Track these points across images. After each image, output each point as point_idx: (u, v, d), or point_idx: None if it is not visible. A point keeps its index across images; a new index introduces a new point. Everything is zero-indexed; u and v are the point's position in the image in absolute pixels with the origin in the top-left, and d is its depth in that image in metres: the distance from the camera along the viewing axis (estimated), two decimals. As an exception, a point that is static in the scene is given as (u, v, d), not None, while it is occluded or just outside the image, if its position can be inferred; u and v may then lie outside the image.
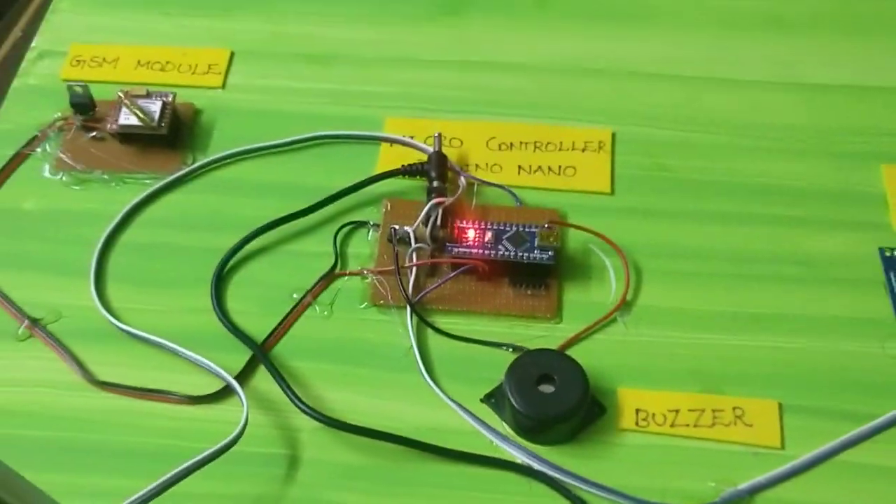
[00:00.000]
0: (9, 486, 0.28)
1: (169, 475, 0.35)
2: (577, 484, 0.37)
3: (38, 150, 0.48)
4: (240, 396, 0.38)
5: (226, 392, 0.40)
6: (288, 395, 0.39)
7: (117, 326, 0.42)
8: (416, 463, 0.38)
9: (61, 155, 0.48)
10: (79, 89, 0.47)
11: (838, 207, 0.46)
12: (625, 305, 0.42)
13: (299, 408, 0.38)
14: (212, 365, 0.40)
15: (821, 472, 0.38)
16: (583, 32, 0.53)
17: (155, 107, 0.47)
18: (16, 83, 0.51)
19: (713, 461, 0.38)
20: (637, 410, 0.39)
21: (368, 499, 0.37)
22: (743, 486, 0.37)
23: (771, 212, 0.46)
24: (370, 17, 0.54)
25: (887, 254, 0.44)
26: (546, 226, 0.43)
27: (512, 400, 0.38)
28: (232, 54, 0.52)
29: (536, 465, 0.38)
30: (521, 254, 0.42)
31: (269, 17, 0.54)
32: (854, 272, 0.43)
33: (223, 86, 0.51)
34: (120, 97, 0.47)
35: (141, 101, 0.47)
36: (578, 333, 0.41)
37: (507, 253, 0.42)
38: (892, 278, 0.43)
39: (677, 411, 0.39)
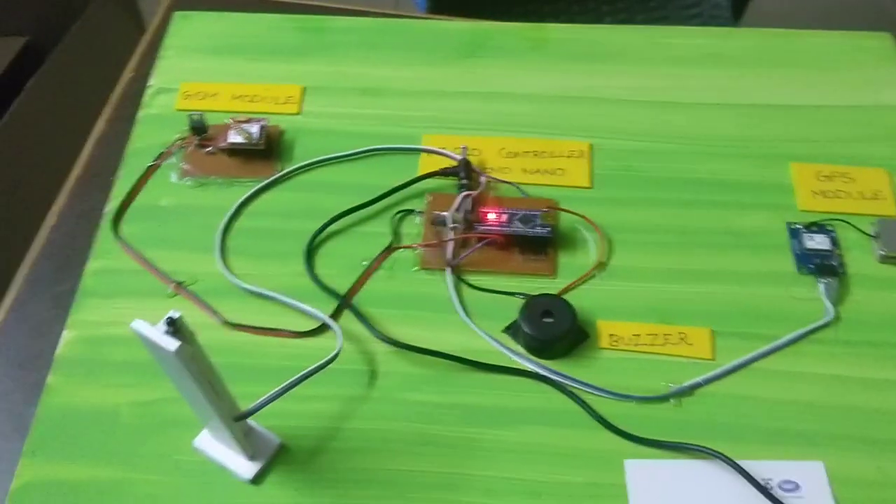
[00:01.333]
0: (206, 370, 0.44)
1: (287, 382, 0.50)
2: (571, 384, 0.53)
3: (166, 162, 0.64)
4: (335, 329, 0.55)
5: (322, 329, 0.56)
6: (367, 328, 0.55)
7: (239, 286, 0.58)
8: (459, 373, 0.54)
9: (184, 166, 0.64)
10: (196, 116, 0.64)
11: (758, 194, 0.62)
12: (601, 266, 0.59)
13: (377, 336, 0.54)
14: (312, 310, 0.56)
15: (740, 376, 0.54)
16: (569, 69, 0.70)
17: (255, 129, 0.64)
18: (141, 114, 0.68)
19: (664, 369, 0.54)
20: (610, 335, 0.55)
21: (427, 397, 0.53)
22: (685, 383, 0.53)
23: (709, 198, 0.62)
24: (410, 60, 0.70)
25: (792, 226, 0.60)
26: (545, 210, 0.59)
27: (524, 328, 0.54)
28: (304, 89, 0.69)
29: (542, 373, 0.54)
30: (528, 230, 0.59)
31: (332, 60, 0.70)
32: (768, 240, 0.60)
33: (299, 112, 0.67)
34: (230, 122, 0.63)
35: (244, 125, 0.64)
36: (569, 285, 0.58)
37: (517, 229, 0.59)
38: (795, 244, 0.59)
39: (639, 335, 0.55)
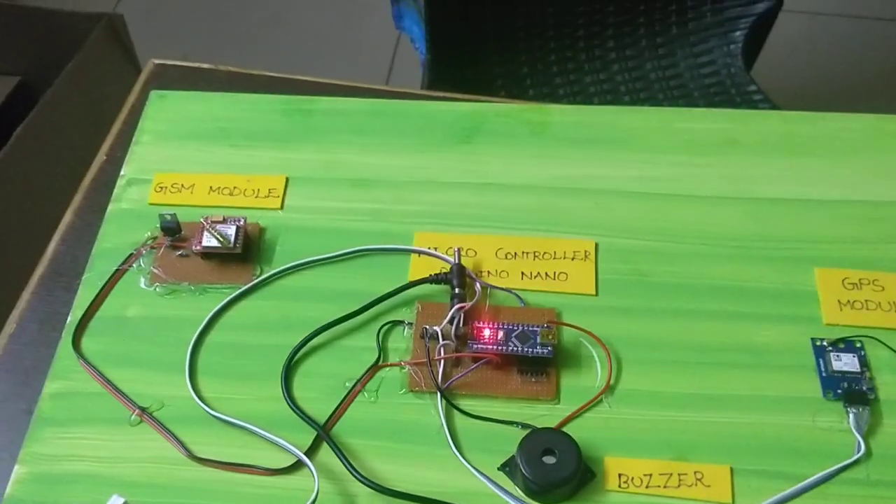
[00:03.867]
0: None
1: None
2: (573, 534, 0.48)
3: (135, 266, 0.59)
4: (311, 470, 0.49)
5: (298, 466, 0.51)
6: (348, 469, 0.50)
7: (209, 413, 0.53)
8: (449, 519, 0.49)
9: (154, 270, 0.59)
10: (168, 217, 0.59)
11: (778, 304, 0.57)
12: (609, 389, 0.54)
13: (357, 479, 0.49)
14: (287, 444, 0.51)
15: (763, 522, 0.49)
16: (571, 156, 0.65)
17: (231, 230, 0.59)
18: (111, 207, 0.63)
19: (679, 514, 0.49)
20: (619, 475, 0.50)
21: (413, 548, 0.48)
22: (702, 533, 0.48)
23: (724, 308, 0.57)
24: (402, 146, 0.65)
25: (817, 343, 0.55)
26: (545, 325, 0.54)
27: (522, 469, 0.49)
28: (288, 179, 0.64)
29: (542, 520, 0.49)
30: (526, 349, 0.54)
31: (319, 146, 0.65)
32: (790, 359, 0.54)
33: (282, 207, 0.62)
34: (203, 223, 0.59)
35: (220, 226, 0.59)
36: (573, 413, 0.53)
37: (515, 348, 0.54)
38: (821, 364, 0.54)
39: (651, 475, 0.50)
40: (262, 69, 0.74)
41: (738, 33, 1.16)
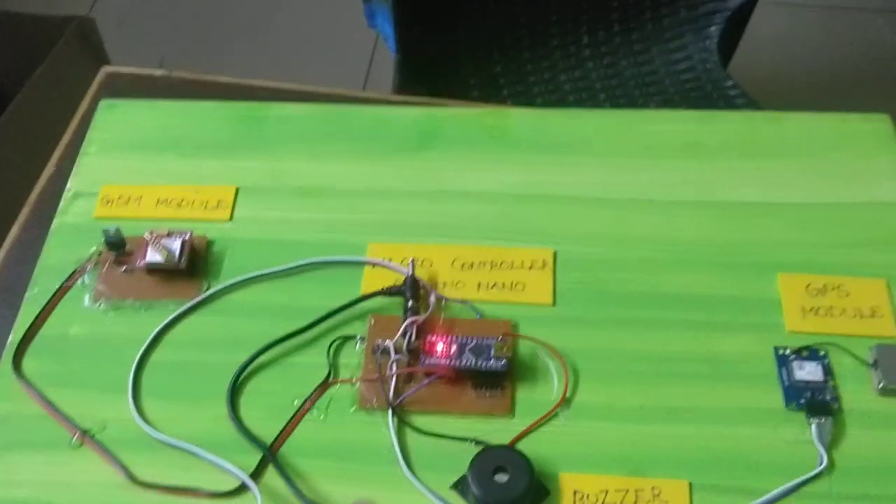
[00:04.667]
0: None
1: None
2: (526, 555, 0.47)
3: (79, 282, 0.57)
4: (255, 494, 0.48)
5: (243, 489, 0.49)
6: (293, 492, 0.48)
7: (152, 435, 0.51)
8: (398, 542, 0.47)
9: (99, 286, 0.57)
10: (112, 231, 0.57)
11: (740, 312, 0.55)
12: (565, 403, 0.52)
13: (303, 503, 0.48)
14: (231, 467, 0.49)
15: (722, 539, 0.47)
16: (530, 161, 0.63)
17: (175, 245, 0.57)
18: (56, 222, 0.61)
19: (635, 533, 0.48)
20: (574, 492, 0.48)
21: (360, 573, 0.47)
22: (658, 552, 0.47)
23: (684, 317, 0.55)
24: (354, 154, 0.64)
25: (780, 352, 0.53)
26: (500, 338, 0.53)
27: (473, 489, 0.47)
28: (237, 190, 0.62)
29: (494, 541, 0.47)
30: (480, 363, 0.52)
31: (269, 155, 0.64)
32: (751, 368, 0.53)
33: (231, 218, 0.61)
34: (146, 238, 0.57)
35: (164, 241, 0.57)
36: (528, 428, 0.51)
37: (468, 362, 0.52)
38: (783, 373, 0.52)
39: (607, 492, 0.48)
40: (237, 72, 0.73)
41: (713, 28, 1.14)
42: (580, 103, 1.09)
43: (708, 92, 1.11)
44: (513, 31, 1.13)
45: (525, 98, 1.10)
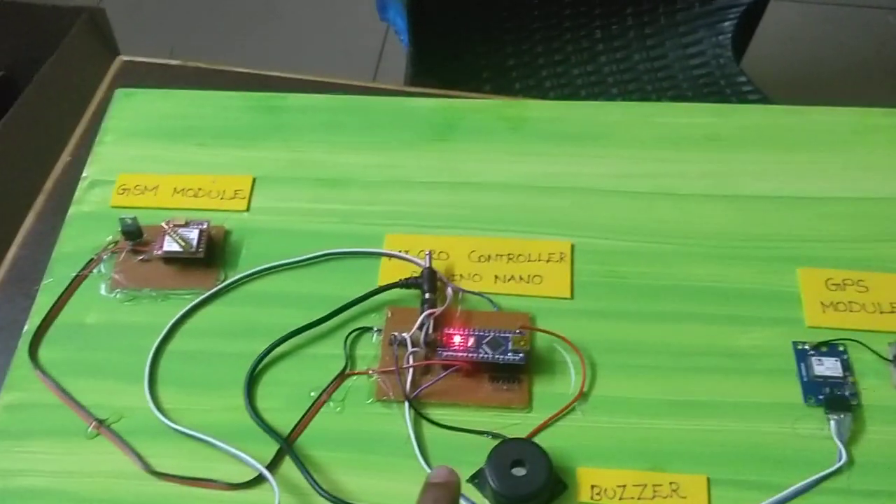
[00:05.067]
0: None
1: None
2: (544, 549, 0.46)
3: (95, 271, 0.57)
4: (272, 484, 0.48)
5: (259, 480, 0.49)
6: (310, 483, 0.48)
7: (168, 425, 0.51)
8: (416, 534, 0.47)
9: (115, 276, 0.57)
10: (129, 221, 0.57)
11: (760, 306, 0.55)
12: (582, 396, 0.52)
13: (320, 494, 0.47)
14: (248, 458, 0.49)
15: (741, 534, 0.47)
16: (548, 152, 0.62)
17: (193, 234, 0.57)
18: (72, 210, 0.61)
19: (654, 527, 0.47)
20: (592, 486, 0.48)
21: (378, 565, 0.46)
22: (677, 547, 0.46)
23: (703, 311, 0.55)
24: (372, 144, 0.63)
25: (799, 347, 0.53)
26: (518, 331, 0.52)
27: (491, 482, 0.47)
28: (254, 180, 0.62)
29: (512, 534, 0.47)
30: (497, 356, 0.52)
31: (287, 145, 0.63)
32: (770, 363, 0.52)
33: (248, 209, 0.60)
34: (164, 227, 0.57)
35: (182, 230, 0.57)
36: (545, 421, 0.51)
37: (486, 355, 0.52)
38: (802, 368, 0.52)
39: (624, 486, 0.48)
40: (247, 63, 0.72)
41: (727, 23, 1.14)
42: (592, 97, 1.09)
43: (721, 87, 1.10)
44: (526, 25, 1.13)
45: (537, 92, 1.09)
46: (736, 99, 1.07)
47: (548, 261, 0.57)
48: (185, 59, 0.72)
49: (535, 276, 0.57)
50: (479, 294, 0.56)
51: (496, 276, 0.57)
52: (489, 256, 0.58)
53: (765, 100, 1.05)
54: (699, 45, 1.14)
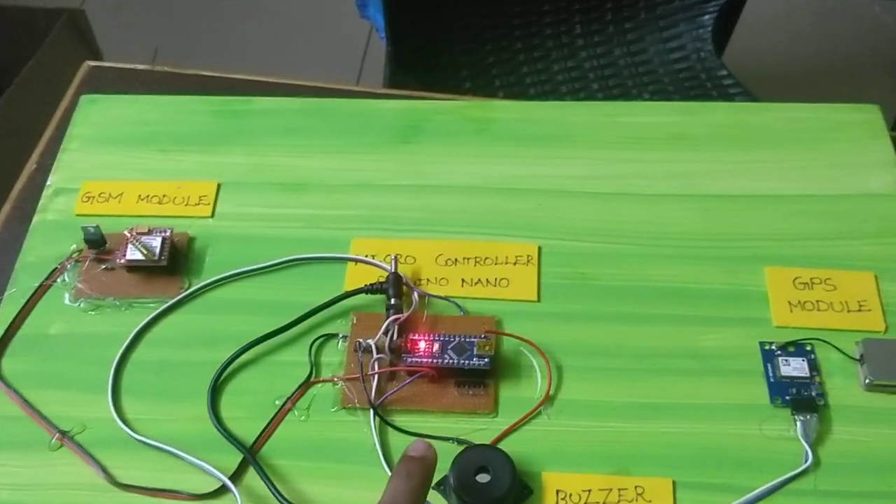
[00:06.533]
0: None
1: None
2: (508, 555, 0.46)
3: (59, 280, 0.57)
4: (235, 495, 0.47)
5: (223, 490, 0.48)
6: (273, 493, 0.48)
7: (132, 436, 0.51)
8: (379, 543, 0.47)
9: (79, 285, 0.56)
10: (91, 229, 0.56)
11: (726, 306, 0.55)
12: (549, 400, 0.51)
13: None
14: (211, 469, 0.49)
15: (706, 538, 0.47)
16: (514, 154, 0.62)
17: (156, 242, 0.56)
18: (36, 219, 0.60)
19: (619, 531, 0.47)
20: (557, 491, 0.48)
21: (341, 574, 0.46)
22: (641, 551, 0.46)
23: (670, 312, 0.54)
24: (338, 148, 0.63)
25: (766, 347, 0.53)
26: (483, 336, 0.52)
27: (455, 489, 0.47)
28: (219, 185, 0.61)
29: (476, 541, 0.47)
30: (462, 361, 0.51)
31: (251, 149, 0.63)
32: (737, 364, 0.52)
33: (212, 215, 0.60)
34: (127, 236, 0.56)
35: (144, 238, 0.56)
36: (511, 426, 0.50)
37: (451, 361, 0.51)
38: (769, 369, 0.52)
39: (590, 491, 0.48)
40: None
41: (706, 17, 1.13)
42: (573, 93, 1.08)
43: (702, 81, 1.09)
44: (505, 21, 1.12)
45: (518, 89, 1.09)
46: (717, 93, 1.07)
47: (514, 263, 0.57)
48: (153, 63, 0.71)
49: (502, 279, 0.56)
50: (446, 298, 0.55)
51: (463, 280, 0.57)
52: (456, 260, 0.57)
53: (746, 93, 1.05)
54: (679, 39, 1.14)
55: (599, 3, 1.12)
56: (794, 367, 0.52)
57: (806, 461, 0.48)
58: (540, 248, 0.57)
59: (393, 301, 0.54)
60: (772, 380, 0.51)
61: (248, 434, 0.51)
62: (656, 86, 1.10)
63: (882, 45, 1.58)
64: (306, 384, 0.52)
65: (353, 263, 0.57)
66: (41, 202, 0.61)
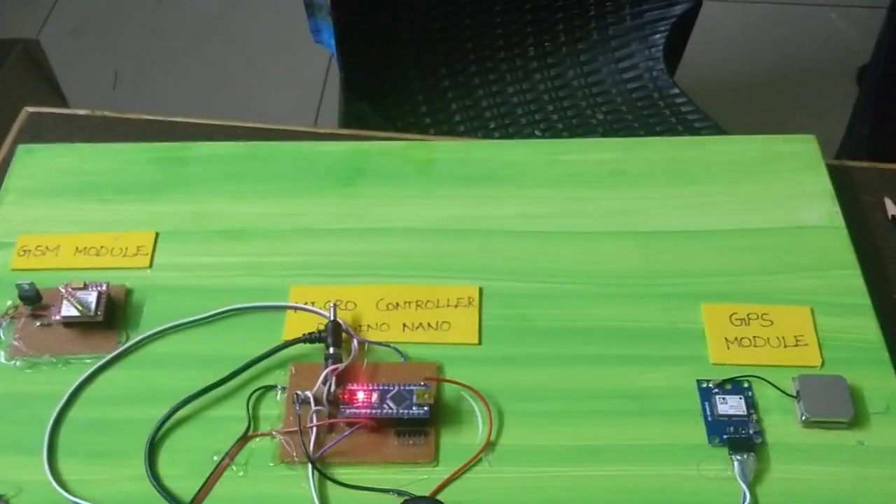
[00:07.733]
0: None
1: None
2: None
3: (-6, 338, 0.56)
4: (171, 558, 0.47)
5: (161, 551, 0.48)
6: (210, 554, 0.47)
7: (69, 499, 0.50)
8: None
9: (14, 342, 0.56)
10: (26, 286, 0.56)
11: (665, 345, 0.55)
12: (489, 447, 0.51)
13: (219, 565, 0.47)
14: (148, 530, 0.48)
15: (646, 582, 0.47)
16: (455, 195, 0.62)
17: (91, 297, 0.55)
18: (-28, 275, 0.60)
19: (559, 580, 0.47)
20: (497, 541, 0.48)
21: None
22: None
23: (609, 352, 0.55)
24: (279, 192, 0.63)
25: (703, 385, 0.53)
26: (422, 384, 0.52)
27: (392, 543, 0.47)
28: (157, 235, 0.61)
29: None
30: (401, 411, 0.51)
31: (191, 197, 0.63)
32: (675, 403, 0.52)
33: (150, 265, 0.59)
34: (62, 292, 0.55)
35: (80, 293, 0.55)
36: (451, 476, 0.50)
37: (390, 411, 0.51)
38: (706, 407, 0.52)
39: (530, 539, 0.48)
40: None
41: (658, 36, 1.14)
42: (528, 115, 1.09)
43: (654, 100, 1.10)
44: (459, 44, 1.12)
45: (473, 111, 1.09)
46: (670, 112, 1.08)
47: (456, 306, 0.57)
48: (91, 108, 0.71)
49: (443, 322, 0.56)
50: (386, 345, 0.55)
51: (404, 325, 0.56)
52: (397, 304, 0.57)
53: (698, 111, 1.06)
54: (631, 59, 1.15)
55: (552, 25, 1.13)
56: (731, 406, 0.52)
57: (744, 501, 0.49)
58: (481, 290, 0.57)
59: (332, 350, 0.54)
60: (709, 419, 0.52)
61: (187, 492, 0.50)
62: (609, 106, 1.11)
63: (839, 51, 1.60)
64: (244, 438, 0.52)
65: (293, 311, 0.57)
66: (-23, 257, 0.60)
